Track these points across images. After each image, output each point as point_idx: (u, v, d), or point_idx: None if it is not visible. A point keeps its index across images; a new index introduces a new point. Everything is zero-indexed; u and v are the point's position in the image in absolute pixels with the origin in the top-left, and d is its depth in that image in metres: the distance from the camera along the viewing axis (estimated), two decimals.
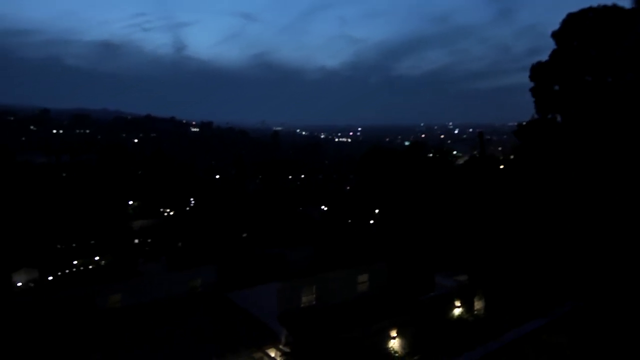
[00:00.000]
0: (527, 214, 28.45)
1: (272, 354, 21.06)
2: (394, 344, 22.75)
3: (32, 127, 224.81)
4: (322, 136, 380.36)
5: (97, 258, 55.41)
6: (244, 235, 62.37)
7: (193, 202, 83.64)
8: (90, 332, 19.00)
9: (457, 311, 25.79)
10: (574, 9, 36.72)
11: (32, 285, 46.58)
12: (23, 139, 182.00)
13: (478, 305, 26.60)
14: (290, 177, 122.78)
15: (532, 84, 39.06)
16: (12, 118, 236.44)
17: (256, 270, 32.71)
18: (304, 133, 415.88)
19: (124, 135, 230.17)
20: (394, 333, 22.96)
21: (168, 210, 79.26)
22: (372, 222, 66.16)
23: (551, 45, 37.67)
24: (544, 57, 38.15)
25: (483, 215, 32.90)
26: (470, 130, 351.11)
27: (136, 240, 62.80)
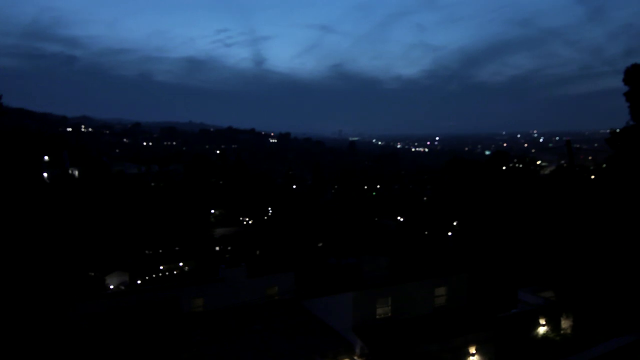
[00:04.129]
0: (621, 227, 26.42)
1: None
2: None
3: (125, 139, 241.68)
4: (399, 146, 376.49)
5: (181, 264, 58.20)
6: (320, 244, 62.92)
7: (271, 211, 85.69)
8: (176, 334, 20.00)
9: (542, 330, 24.37)
10: None
11: (122, 288, 49.77)
12: (117, 150, 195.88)
13: (565, 324, 24.97)
14: (365, 187, 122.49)
15: (626, 88, 36.42)
16: (107, 132, 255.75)
17: (332, 279, 32.82)
18: (380, 143, 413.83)
19: (207, 146, 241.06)
20: (472, 350, 22.10)
21: (247, 219, 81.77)
22: (450, 233, 64.34)
23: None
24: None
25: (571, 229, 30.95)
26: (557, 138, 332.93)
27: (217, 248, 65.31)
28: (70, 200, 61.99)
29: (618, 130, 37.42)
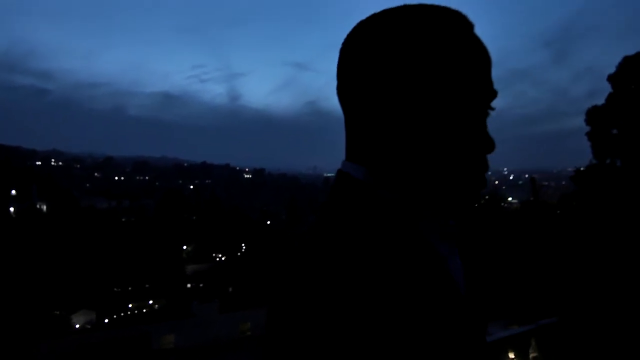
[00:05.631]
0: (583, 256, 27.33)
1: None
2: None
3: (96, 174, 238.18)
4: None
5: (151, 302, 56.88)
6: None
7: (244, 246, 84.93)
8: None
9: None
10: (631, 51, 36.26)
11: (89, 326, 48.27)
12: (88, 185, 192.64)
13: (533, 354, 25.34)
14: None
15: (588, 128, 38.25)
16: (78, 166, 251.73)
17: None
18: None
19: (180, 181, 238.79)
20: None
21: (220, 255, 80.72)
22: None
23: (609, 87, 37.03)
24: (603, 100, 37.46)
25: (537, 261, 31.83)
26: (527, 176, 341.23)
27: (189, 285, 64.17)
28: (37, 236, 60.45)
29: (582, 169, 39.01)
